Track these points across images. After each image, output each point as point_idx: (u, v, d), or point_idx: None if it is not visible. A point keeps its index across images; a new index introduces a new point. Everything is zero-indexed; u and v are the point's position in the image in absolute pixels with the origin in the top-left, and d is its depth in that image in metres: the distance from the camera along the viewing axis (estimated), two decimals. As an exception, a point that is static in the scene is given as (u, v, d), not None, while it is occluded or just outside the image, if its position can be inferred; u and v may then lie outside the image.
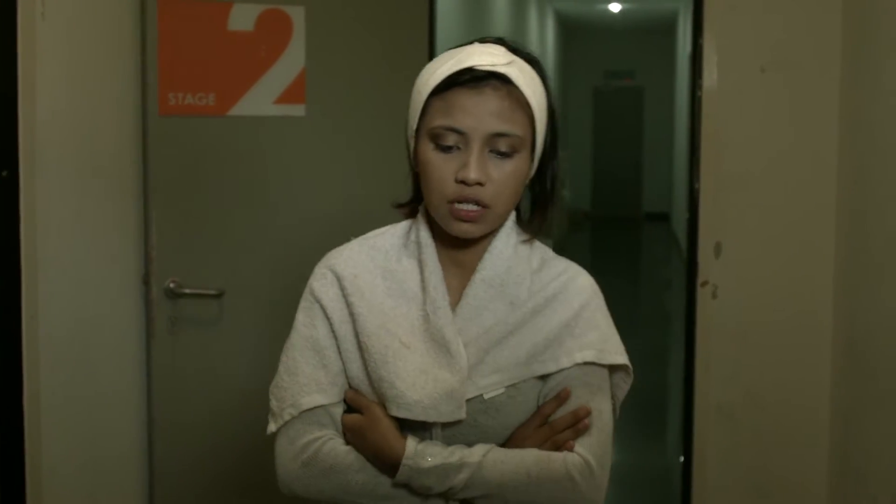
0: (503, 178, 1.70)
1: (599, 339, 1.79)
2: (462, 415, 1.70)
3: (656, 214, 19.54)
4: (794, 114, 3.53)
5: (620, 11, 17.76)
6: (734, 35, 3.53)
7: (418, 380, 1.71)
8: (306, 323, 1.80)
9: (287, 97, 3.39)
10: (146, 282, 3.36)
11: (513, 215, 1.81)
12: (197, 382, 3.43)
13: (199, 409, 3.43)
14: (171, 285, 3.36)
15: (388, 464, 1.70)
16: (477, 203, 1.69)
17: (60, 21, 2.92)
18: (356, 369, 1.77)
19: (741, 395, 3.60)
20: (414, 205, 1.86)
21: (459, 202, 1.69)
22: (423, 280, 1.78)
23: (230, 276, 3.39)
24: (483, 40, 1.77)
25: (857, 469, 3.28)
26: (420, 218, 1.82)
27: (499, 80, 1.69)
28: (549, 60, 17.27)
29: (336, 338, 1.78)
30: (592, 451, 1.73)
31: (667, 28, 18.77)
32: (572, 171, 17.69)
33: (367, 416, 1.74)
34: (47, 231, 2.89)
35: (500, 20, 11.75)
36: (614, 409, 1.84)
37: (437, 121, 1.69)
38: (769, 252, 3.57)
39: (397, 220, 1.88)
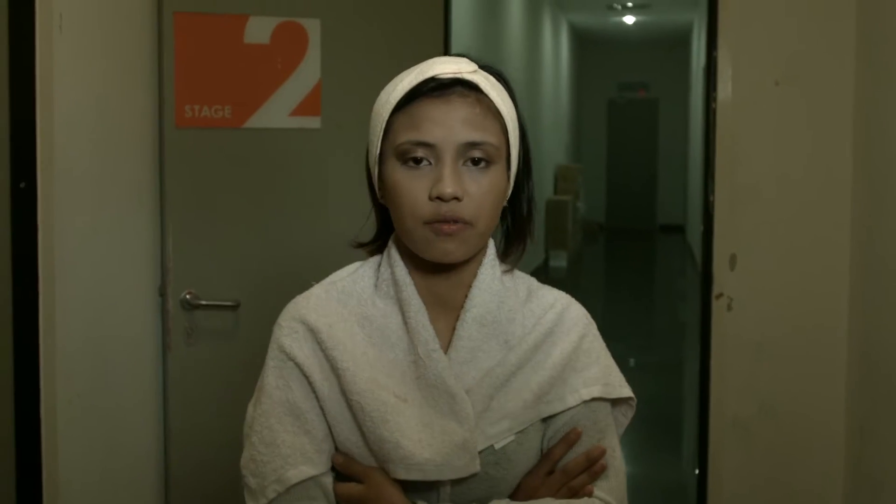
0: (481, 192, 1.54)
1: (603, 373, 1.68)
2: (476, 468, 1.56)
3: (671, 226, 19.56)
4: (808, 126, 3.53)
5: (635, 23, 17.79)
6: (749, 47, 3.53)
7: (423, 435, 1.55)
8: (280, 385, 1.62)
9: (302, 109, 3.41)
10: (162, 293, 3.38)
11: (492, 244, 1.67)
12: (213, 393, 3.44)
13: (215, 419, 3.44)
14: (188, 296, 3.37)
15: None
16: (456, 220, 1.53)
17: (78, 34, 2.94)
18: (347, 431, 1.59)
19: (756, 407, 3.60)
20: (379, 242, 1.72)
21: (437, 222, 1.53)
22: (406, 322, 1.61)
23: (246, 288, 3.41)
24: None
25: (873, 481, 3.27)
26: (393, 253, 1.65)
27: (465, 86, 1.57)
28: (564, 72, 17.32)
29: (318, 398, 1.60)
30: (614, 494, 1.64)
31: (681, 40, 18.79)
32: (586, 183, 17.69)
33: (368, 485, 1.57)
34: (64, 242, 2.90)
35: (515, 33, 11.78)
36: None
37: (404, 136, 1.55)
38: (784, 264, 3.56)
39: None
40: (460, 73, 1.57)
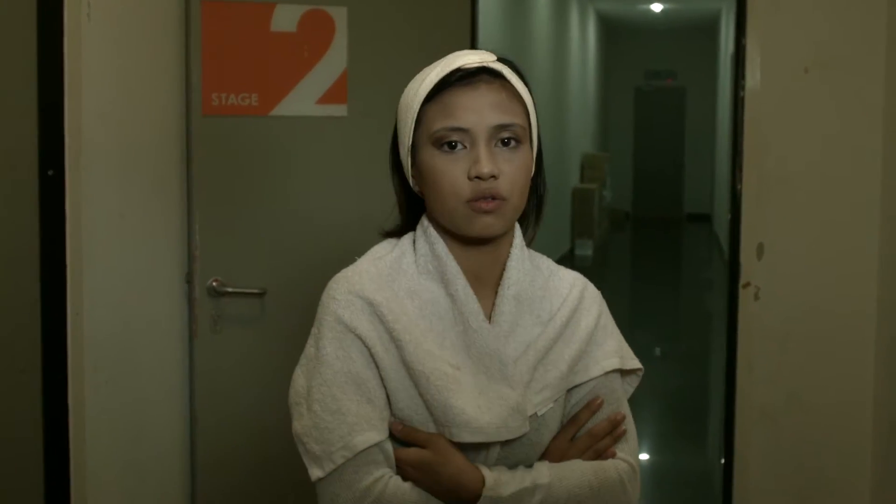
0: (514, 169, 1.67)
1: (618, 346, 1.83)
2: (527, 428, 1.69)
3: (698, 215, 19.48)
4: (838, 114, 3.50)
5: (662, 11, 17.71)
6: (777, 35, 3.50)
7: (481, 401, 1.67)
8: (340, 356, 1.68)
9: (329, 97, 3.41)
10: (189, 280, 3.39)
11: (517, 225, 1.80)
12: (239, 381, 3.45)
13: (242, 407, 3.45)
14: (214, 284, 3.38)
15: (463, 497, 1.65)
16: (494, 197, 1.66)
17: (106, 22, 2.96)
18: (406, 399, 1.68)
19: (783, 397, 3.58)
20: (404, 231, 1.83)
21: (477, 199, 1.65)
22: (451, 295, 1.72)
23: (272, 275, 3.42)
24: None
25: (901, 473, 3.25)
26: (431, 232, 1.75)
27: (490, 74, 1.70)
28: (590, 60, 17.26)
29: (378, 368, 1.68)
30: (633, 456, 1.80)
31: (709, 28, 18.70)
32: (613, 171, 17.65)
33: (433, 450, 1.67)
34: (92, 230, 2.92)
35: (542, 20, 11.74)
36: None
37: (438, 124, 1.68)
38: (812, 253, 3.54)
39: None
40: (484, 62, 1.70)
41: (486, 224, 1.67)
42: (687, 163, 20.38)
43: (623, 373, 1.85)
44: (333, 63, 3.41)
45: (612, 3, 17.45)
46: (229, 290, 3.39)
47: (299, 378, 1.74)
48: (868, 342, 3.51)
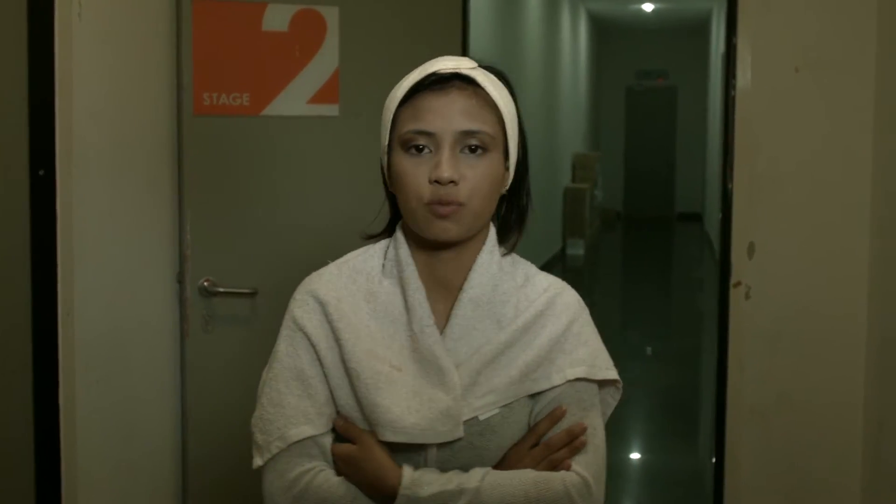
0: (477, 176, 1.68)
1: (590, 355, 1.79)
2: (460, 433, 1.68)
3: (689, 215, 19.51)
4: (828, 114, 3.51)
5: (653, 11, 17.74)
6: (768, 35, 3.51)
7: (412, 403, 1.68)
8: (289, 352, 1.77)
9: (320, 97, 3.41)
10: (180, 280, 3.39)
11: (493, 230, 1.81)
12: (230, 380, 3.45)
13: (233, 407, 3.44)
14: (205, 284, 3.38)
15: (384, 494, 1.67)
16: (451, 202, 1.67)
17: (97, 21, 2.95)
18: (345, 396, 1.73)
19: (774, 396, 3.59)
20: (386, 235, 1.86)
21: (436, 203, 1.67)
22: (405, 300, 1.76)
23: (264, 275, 3.41)
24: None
25: (891, 471, 3.26)
26: (399, 236, 1.80)
27: (463, 80, 1.71)
28: (582, 60, 17.27)
29: (322, 365, 1.74)
30: (589, 469, 1.73)
31: (700, 28, 18.73)
32: (604, 171, 17.66)
33: (359, 445, 1.71)
34: (83, 229, 2.92)
35: (533, 20, 11.75)
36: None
37: (407, 126, 1.70)
38: (803, 252, 3.55)
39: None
40: (459, 68, 1.72)
41: (443, 228, 1.69)
42: (678, 162, 20.41)
43: (601, 384, 1.81)
44: (325, 63, 3.41)
45: (604, 2, 17.47)
46: (220, 289, 3.39)
47: (263, 374, 1.81)
48: (859, 342, 3.52)
